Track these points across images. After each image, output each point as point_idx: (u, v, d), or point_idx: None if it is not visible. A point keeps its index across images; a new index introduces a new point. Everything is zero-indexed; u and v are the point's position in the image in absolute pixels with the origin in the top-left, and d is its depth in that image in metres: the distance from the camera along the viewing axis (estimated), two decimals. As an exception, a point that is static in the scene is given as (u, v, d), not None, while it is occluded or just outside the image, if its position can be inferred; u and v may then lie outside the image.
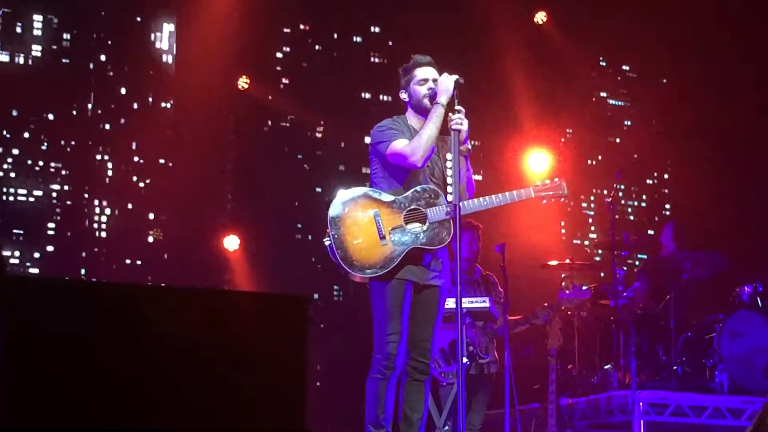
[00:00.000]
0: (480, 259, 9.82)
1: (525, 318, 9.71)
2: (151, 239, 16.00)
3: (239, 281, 15.00)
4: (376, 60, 17.37)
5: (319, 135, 17.07)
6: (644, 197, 17.61)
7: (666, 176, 17.51)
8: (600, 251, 14.95)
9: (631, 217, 17.38)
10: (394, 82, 7.11)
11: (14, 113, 15.79)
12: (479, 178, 14.34)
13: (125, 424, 4.30)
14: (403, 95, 6.98)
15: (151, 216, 16.75)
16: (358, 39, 17.42)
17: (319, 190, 16.82)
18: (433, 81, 6.85)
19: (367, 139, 6.99)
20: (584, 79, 16.89)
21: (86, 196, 16.57)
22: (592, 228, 17.31)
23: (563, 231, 16.90)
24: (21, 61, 16.16)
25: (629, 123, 17.37)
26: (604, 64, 17.30)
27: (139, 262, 16.42)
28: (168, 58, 16.87)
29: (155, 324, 4.45)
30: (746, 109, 14.01)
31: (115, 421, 4.30)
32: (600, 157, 17.31)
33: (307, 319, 4.71)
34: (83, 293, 4.58)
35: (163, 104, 16.89)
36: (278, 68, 17.00)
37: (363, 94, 17.16)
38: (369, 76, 17.14)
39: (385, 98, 16.68)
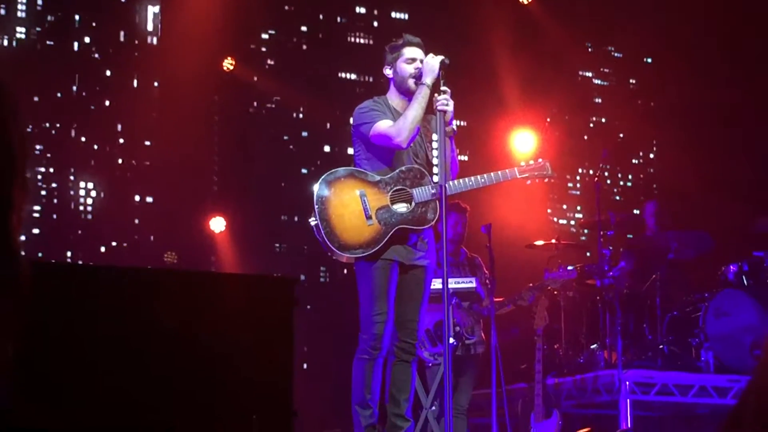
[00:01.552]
0: (465, 239, 9.81)
1: (511, 299, 9.73)
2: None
3: (226, 263, 14.99)
4: (361, 41, 17.34)
5: (304, 116, 17.04)
6: (630, 177, 17.63)
7: (651, 156, 17.53)
8: (586, 231, 15.00)
9: (617, 197, 17.38)
10: (381, 63, 7.10)
11: None
12: (465, 158, 14.35)
13: (120, 400, 4.31)
14: (388, 71, 6.96)
15: (137, 198, 16.71)
16: (344, 20, 17.39)
17: (304, 171, 16.80)
18: (421, 62, 6.84)
19: (351, 120, 6.99)
20: (569, 59, 16.88)
21: (71, 178, 16.52)
22: (578, 208, 17.32)
23: (549, 211, 16.91)
24: (5, 43, 16.11)
25: (614, 103, 17.37)
26: (589, 44, 17.29)
27: (125, 245, 16.39)
28: (153, 40, 16.81)
29: (144, 305, 4.46)
30: (731, 89, 14.02)
31: (111, 398, 4.32)
32: (585, 137, 17.30)
33: (293, 301, 4.72)
34: (72, 276, 4.59)
35: (148, 86, 16.83)
36: (263, 49, 16.96)
37: (348, 75, 17.13)
38: (354, 56, 17.12)
39: (370, 79, 16.66)
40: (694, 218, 12.38)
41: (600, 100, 17.67)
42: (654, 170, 17.53)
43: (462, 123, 14.52)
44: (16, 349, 2.46)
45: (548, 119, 15.32)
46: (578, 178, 17.55)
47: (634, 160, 17.77)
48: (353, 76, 17.33)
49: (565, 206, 17.55)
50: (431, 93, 6.66)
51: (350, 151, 7.18)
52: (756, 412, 3.10)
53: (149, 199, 16.85)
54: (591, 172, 16.81)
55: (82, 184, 16.60)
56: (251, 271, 14.61)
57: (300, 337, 4.81)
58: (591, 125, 17.63)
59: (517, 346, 10.95)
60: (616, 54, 17.55)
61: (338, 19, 17.61)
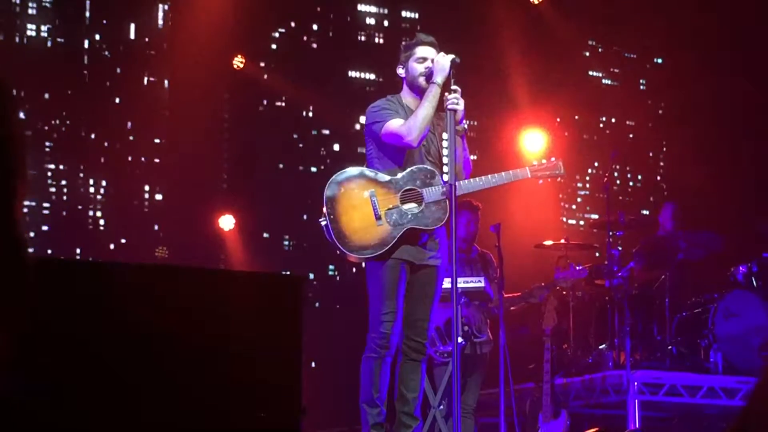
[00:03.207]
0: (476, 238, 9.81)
1: (521, 297, 9.73)
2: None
3: (234, 261, 15.01)
4: (372, 40, 17.37)
5: (313, 114, 17.07)
6: (639, 177, 17.63)
7: (662, 156, 17.52)
8: (595, 231, 14.98)
9: (627, 198, 17.37)
10: (391, 62, 7.10)
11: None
12: (474, 157, 14.33)
13: (125, 398, 4.32)
14: (400, 71, 6.96)
15: (147, 195, 16.77)
16: (355, 19, 17.42)
17: (314, 169, 16.83)
18: (432, 62, 6.84)
19: (363, 119, 6.99)
20: (579, 58, 16.88)
21: (81, 175, 16.57)
22: (588, 208, 17.32)
23: (558, 211, 16.90)
24: (17, 40, 16.16)
25: (625, 103, 17.36)
26: (599, 43, 17.28)
27: (134, 242, 16.44)
28: (163, 38, 16.85)
29: (151, 302, 4.45)
30: (741, 89, 14.00)
31: (115, 396, 4.32)
32: (595, 138, 17.31)
33: (301, 298, 4.71)
34: (79, 273, 4.59)
35: (158, 84, 16.88)
36: (273, 47, 16.99)
37: (359, 74, 17.16)
38: (365, 55, 17.14)
39: (381, 78, 16.68)
40: (704, 219, 12.35)
41: (610, 100, 17.65)
42: (664, 171, 17.51)
43: (474, 122, 14.54)
44: (21, 345, 2.47)
45: (558, 119, 15.32)
46: (588, 178, 17.55)
47: (643, 160, 17.75)
48: (364, 75, 17.35)
49: (574, 206, 17.54)
50: (442, 92, 6.66)
51: (361, 150, 7.18)
52: (764, 414, 3.10)
53: (159, 197, 16.90)
54: (601, 172, 16.81)
55: (91, 181, 16.65)
56: (260, 269, 14.62)
57: (308, 335, 4.80)
58: (601, 125, 17.63)
59: (526, 345, 10.94)
60: (626, 54, 17.53)
61: (349, 18, 17.62)
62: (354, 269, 15.41)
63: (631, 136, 17.50)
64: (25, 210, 15.81)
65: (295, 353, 4.68)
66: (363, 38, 17.54)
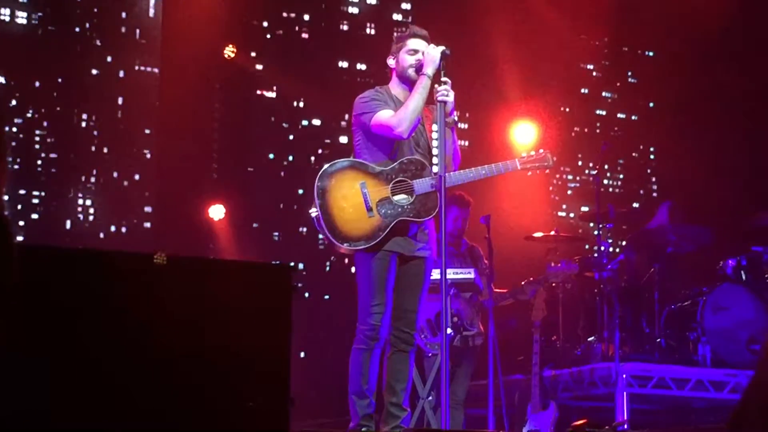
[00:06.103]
0: (465, 231, 9.81)
1: (512, 292, 9.73)
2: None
3: (224, 250, 15.00)
4: (363, 31, 17.36)
5: (304, 105, 17.05)
6: (629, 170, 17.66)
7: (652, 149, 17.55)
8: (585, 223, 14.99)
9: (617, 190, 17.41)
10: (382, 53, 7.08)
11: (1, 80, 15.77)
12: (464, 146, 14.34)
13: (114, 388, 4.32)
14: (391, 61, 6.95)
15: (137, 185, 16.76)
16: (347, 10, 17.42)
17: (304, 160, 16.83)
18: (422, 54, 6.83)
19: (353, 110, 6.97)
20: (570, 51, 16.88)
21: (71, 164, 16.56)
22: (578, 200, 17.34)
23: (548, 202, 16.92)
24: (7, 28, 16.12)
25: (615, 96, 17.38)
26: (589, 36, 17.29)
27: (124, 230, 16.43)
28: (154, 26, 16.81)
29: (139, 291, 4.45)
30: (732, 83, 13.99)
31: (105, 386, 4.32)
32: (586, 130, 17.34)
33: (290, 288, 4.72)
34: (68, 261, 4.58)
35: (149, 73, 16.86)
36: (266, 36, 16.97)
37: (349, 65, 17.15)
38: (355, 46, 17.13)
39: (372, 69, 16.68)
40: (694, 212, 12.36)
41: (600, 93, 17.68)
42: (654, 163, 17.54)
43: (465, 114, 14.53)
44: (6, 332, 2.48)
45: (549, 111, 15.33)
46: (578, 170, 17.57)
47: (633, 153, 17.78)
48: (354, 66, 17.34)
49: (564, 198, 17.56)
50: (432, 83, 6.66)
51: (347, 140, 7.16)
52: (760, 407, 3.11)
53: (149, 186, 16.89)
54: (591, 164, 16.83)
55: (82, 170, 16.64)
56: (250, 259, 14.61)
57: (297, 325, 4.80)
58: (591, 118, 17.65)
59: (515, 337, 10.94)
60: (617, 47, 17.54)
61: (340, 9, 17.61)
62: (346, 260, 15.40)
63: (621, 129, 17.52)
64: (18, 198, 15.77)
65: (284, 343, 4.69)
66: (355, 29, 17.53)
